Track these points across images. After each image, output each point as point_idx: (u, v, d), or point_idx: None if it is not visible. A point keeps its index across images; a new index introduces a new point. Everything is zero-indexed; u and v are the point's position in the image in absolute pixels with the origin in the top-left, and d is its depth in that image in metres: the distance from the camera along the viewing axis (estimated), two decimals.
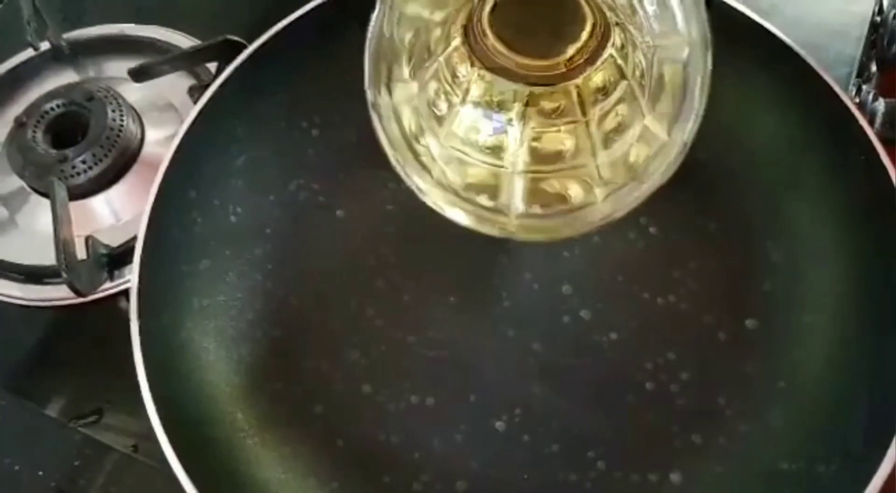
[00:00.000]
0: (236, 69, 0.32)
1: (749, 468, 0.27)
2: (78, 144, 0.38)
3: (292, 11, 0.33)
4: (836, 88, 0.28)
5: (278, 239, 0.33)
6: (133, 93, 0.40)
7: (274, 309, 0.32)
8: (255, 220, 0.33)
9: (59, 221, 0.34)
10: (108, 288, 0.35)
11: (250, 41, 0.33)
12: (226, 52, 0.36)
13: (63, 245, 0.33)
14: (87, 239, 0.35)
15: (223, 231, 0.32)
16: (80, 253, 0.34)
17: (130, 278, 0.35)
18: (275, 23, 0.33)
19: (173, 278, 0.30)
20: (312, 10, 0.32)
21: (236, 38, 0.36)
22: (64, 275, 0.32)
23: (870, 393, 0.25)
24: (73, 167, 0.37)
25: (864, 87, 0.39)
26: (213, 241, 0.31)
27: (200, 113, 0.31)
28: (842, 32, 0.37)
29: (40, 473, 0.37)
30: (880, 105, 0.37)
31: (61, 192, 0.35)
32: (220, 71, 0.35)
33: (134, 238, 0.35)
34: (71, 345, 0.38)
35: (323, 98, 0.34)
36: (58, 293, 0.36)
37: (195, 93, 0.38)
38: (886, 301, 0.27)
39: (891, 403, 0.24)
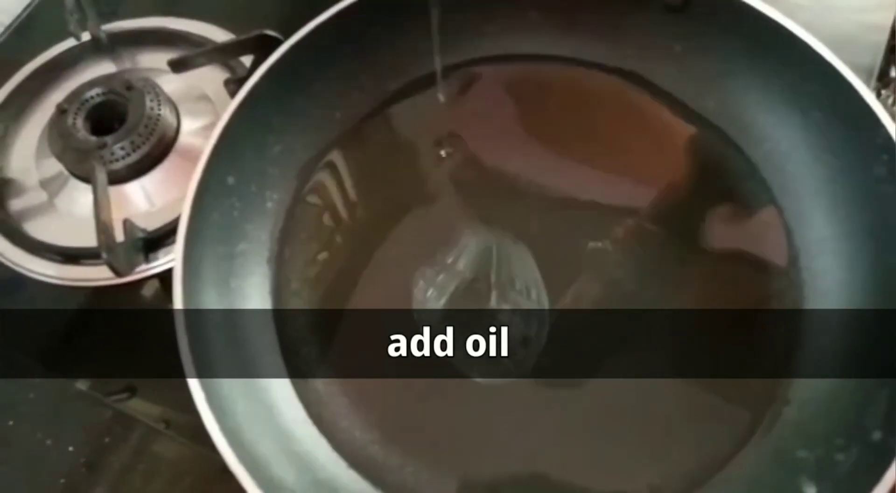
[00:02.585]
0: (275, 63, 0.33)
1: (767, 456, 0.28)
2: (116, 131, 0.39)
3: (324, 5, 0.34)
4: (860, 88, 0.29)
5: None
6: (169, 84, 0.42)
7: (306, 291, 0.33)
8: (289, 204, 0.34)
9: (99, 204, 0.35)
10: (143, 270, 0.37)
11: (284, 35, 0.34)
12: (261, 46, 0.38)
13: (103, 227, 0.34)
14: (125, 222, 0.36)
15: (259, 216, 0.33)
16: (119, 236, 0.35)
17: (164, 260, 0.36)
18: (307, 17, 0.34)
19: (212, 259, 0.31)
20: (347, 7, 0.34)
21: (272, 33, 0.37)
22: (104, 256, 0.33)
23: (889, 382, 0.26)
24: (112, 153, 0.38)
25: (882, 92, 0.39)
26: (249, 225, 0.33)
27: (240, 104, 0.32)
28: (858, 41, 0.38)
29: (70, 448, 0.39)
30: None
31: (102, 176, 0.36)
32: (256, 64, 0.36)
33: (168, 224, 0.37)
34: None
35: (353, 88, 0.35)
36: (93, 274, 0.37)
37: (231, 85, 0.39)
38: None
39: None
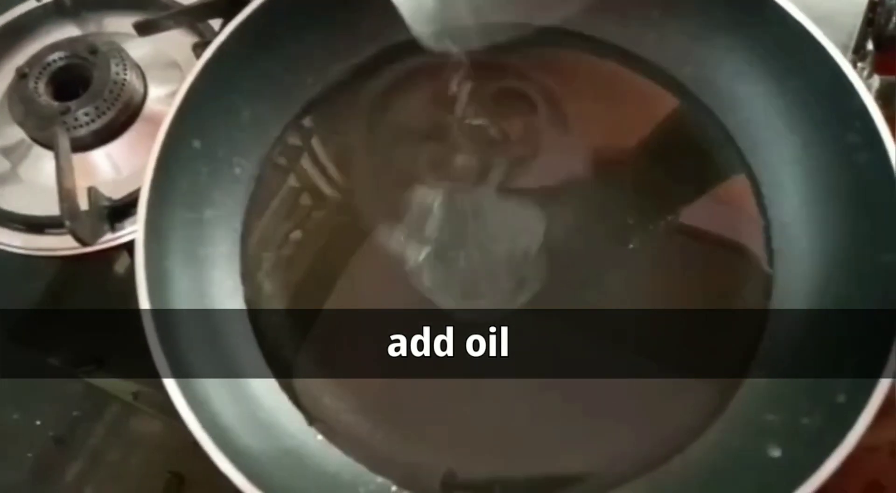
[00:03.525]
0: (242, 23, 0.32)
1: (736, 422, 0.28)
2: (80, 97, 0.38)
3: None
4: (836, 56, 0.29)
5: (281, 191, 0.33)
6: (137, 49, 0.40)
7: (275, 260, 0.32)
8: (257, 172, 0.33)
9: (62, 171, 0.34)
10: (109, 240, 0.36)
11: None
12: (230, 8, 0.36)
13: (66, 194, 0.33)
14: (90, 190, 0.35)
15: (227, 182, 0.32)
16: (83, 204, 0.34)
17: (131, 230, 0.36)
18: None
19: (177, 225, 0.30)
20: None
21: None
22: (67, 223, 0.32)
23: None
24: (76, 119, 0.37)
25: (859, 64, 0.39)
26: (216, 191, 0.32)
27: (206, 65, 0.31)
28: (836, 15, 0.38)
29: (38, 423, 0.38)
30: (875, 82, 0.38)
31: (64, 141, 0.35)
32: (224, 26, 0.35)
33: (135, 192, 0.36)
34: (71, 295, 0.38)
35: (327, 53, 0.34)
36: (59, 243, 0.36)
37: (199, 50, 0.38)
38: (870, 268, 0.28)
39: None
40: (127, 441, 0.38)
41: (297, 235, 0.33)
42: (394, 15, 0.33)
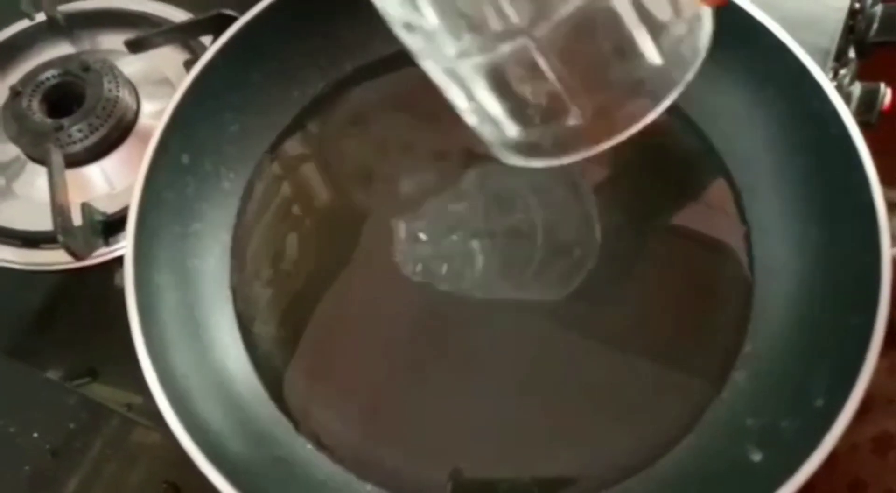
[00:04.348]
0: (230, 39, 0.33)
1: (718, 427, 0.28)
2: (74, 113, 0.38)
3: None
4: (809, 64, 0.29)
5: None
6: (129, 66, 0.41)
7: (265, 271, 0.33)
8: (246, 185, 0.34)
9: (55, 186, 0.35)
10: (104, 254, 0.36)
11: (242, 14, 0.34)
12: (220, 26, 0.37)
13: (59, 209, 0.34)
14: (83, 205, 0.36)
15: (216, 195, 0.33)
16: (76, 219, 0.35)
17: (125, 243, 0.36)
18: None
19: (166, 238, 0.31)
20: None
21: (230, 12, 0.37)
22: (60, 238, 0.33)
23: (830, 350, 0.26)
24: (69, 136, 0.38)
25: (840, 71, 0.40)
26: (205, 204, 0.32)
27: (195, 80, 0.32)
28: (817, 22, 0.38)
29: (35, 435, 0.38)
30: (856, 89, 0.38)
31: (58, 158, 0.36)
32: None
33: (127, 208, 0.37)
34: (66, 309, 0.38)
35: (312, 67, 0.35)
36: (54, 258, 0.37)
37: (191, 67, 0.38)
38: (848, 272, 0.28)
39: (850, 359, 0.25)
40: (124, 453, 0.38)
41: (287, 245, 0.34)
42: (377, 28, 0.34)
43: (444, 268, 0.31)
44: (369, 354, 0.31)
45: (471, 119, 0.25)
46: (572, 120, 0.23)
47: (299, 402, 0.31)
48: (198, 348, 0.30)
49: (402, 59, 0.33)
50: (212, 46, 0.33)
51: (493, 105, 0.23)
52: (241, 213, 0.34)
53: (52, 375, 0.38)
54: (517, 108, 0.23)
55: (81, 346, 0.38)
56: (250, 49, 0.33)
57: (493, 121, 0.24)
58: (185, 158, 0.32)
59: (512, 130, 0.24)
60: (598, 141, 0.23)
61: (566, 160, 0.24)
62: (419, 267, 0.31)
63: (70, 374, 0.38)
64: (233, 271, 0.33)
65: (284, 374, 0.31)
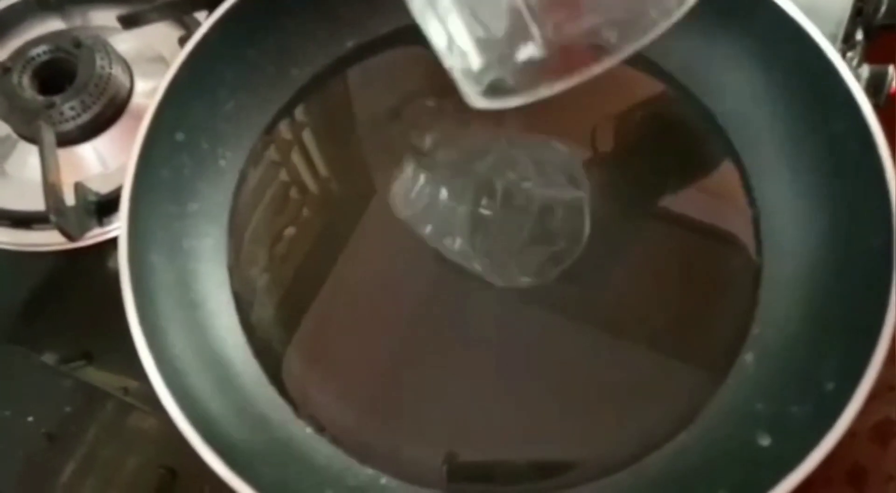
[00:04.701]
0: (225, 13, 0.32)
1: (725, 411, 0.28)
2: (65, 91, 0.37)
3: None
4: (823, 44, 0.29)
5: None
6: (122, 43, 0.40)
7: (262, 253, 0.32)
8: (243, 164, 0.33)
9: (47, 165, 0.34)
10: (97, 235, 0.36)
11: None
12: (215, 1, 0.36)
13: (51, 189, 0.33)
14: (76, 185, 0.35)
15: (212, 175, 0.32)
16: (69, 199, 0.34)
17: (119, 223, 0.35)
18: None
19: (161, 218, 0.30)
20: None
21: None
22: (53, 218, 0.32)
23: (840, 334, 0.26)
24: (61, 113, 0.37)
25: (848, 53, 0.39)
26: (201, 183, 0.32)
27: (189, 56, 0.31)
28: (824, 6, 0.37)
29: (30, 419, 0.38)
30: (864, 71, 0.37)
31: (49, 136, 0.35)
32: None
33: (120, 187, 0.36)
34: (61, 291, 0.38)
35: (310, 44, 0.34)
36: (47, 239, 0.36)
37: (185, 42, 0.37)
38: (858, 255, 0.27)
39: (861, 342, 0.24)
40: (120, 437, 0.37)
41: (285, 226, 0.33)
42: (374, 5, 0.33)
43: (429, 228, 0.31)
44: (368, 336, 0.31)
45: (446, 59, 0.25)
46: (535, 50, 0.22)
47: (298, 385, 0.30)
48: (194, 331, 0.29)
49: (401, 36, 0.33)
50: (206, 21, 0.32)
51: (462, 34, 0.23)
52: (237, 193, 0.33)
53: (48, 358, 0.38)
54: (484, 36, 0.23)
55: (76, 329, 0.38)
56: (245, 25, 0.32)
57: (462, 53, 0.24)
58: (180, 136, 0.31)
59: (476, 60, 0.23)
60: (559, 76, 0.23)
61: (528, 99, 0.23)
62: (409, 213, 0.31)
63: (65, 357, 0.37)
64: (230, 252, 0.32)
65: (283, 356, 0.31)
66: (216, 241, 0.32)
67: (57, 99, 0.37)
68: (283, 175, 0.34)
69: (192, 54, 0.31)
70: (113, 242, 0.36)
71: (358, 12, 0.34)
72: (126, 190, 0.28)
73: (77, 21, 0.43)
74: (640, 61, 0.34)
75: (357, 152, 0.35)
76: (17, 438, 0.38)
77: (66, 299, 0.39)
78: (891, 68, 0.37)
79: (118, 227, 0.35)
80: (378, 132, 0.35)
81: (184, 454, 0.27)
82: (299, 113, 0.35)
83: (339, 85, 0.35)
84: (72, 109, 0.37)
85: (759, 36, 0.31)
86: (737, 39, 0.32)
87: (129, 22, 0.37)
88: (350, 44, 0.35)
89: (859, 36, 0.39)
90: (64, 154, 0.36)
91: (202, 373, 0.28)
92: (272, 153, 0.34)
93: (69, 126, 0.37)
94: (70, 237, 0.33)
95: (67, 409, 0.38)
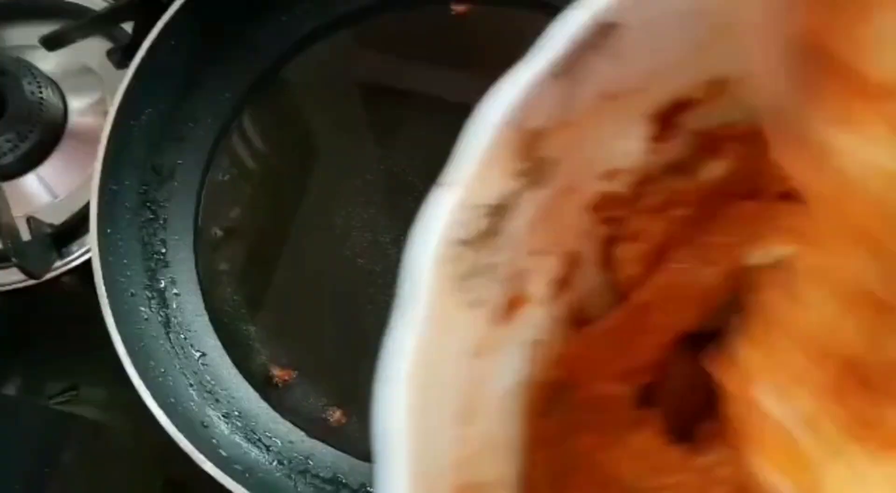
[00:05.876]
0: (165, 26, 0.31)
1: None
2: None
3: None
4: None
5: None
6: (46, 61, 0.38)
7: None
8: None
9: None
10: (58, 267, 0.35)
11: None
12: (142, 11, 0.35)
13: (7, 230, 0.32)
14: (29, 220, 0.34)
15: (169, 191, 0.32)
16: (24, 234, 0.33)
17: (78, 253, 0.35)
18: None
19: (130, 236, 0.30)
20: None
21: None
22: (14, 260, 0.32)
23: None
24: None
25: None
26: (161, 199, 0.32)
27: (131, 83, 0.30)
28: None
29: (20, 452, 0.38)
30: None
31: None
32: (138, 30, 0.34)
33: (76, 214, 0.35)
34: (26, 326, 0.37)
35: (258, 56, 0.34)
36: (7, 278, 0.35)
37: (115, 55, 0.36)
38: None
39: None
40: (99, 461, 0.38)
41: (245, 217, 0.34)
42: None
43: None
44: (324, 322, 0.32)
45: None
46: None
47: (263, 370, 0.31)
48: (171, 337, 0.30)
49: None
50: (145, 39, 0.31)
51: None
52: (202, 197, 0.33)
53: (17, 392, 0.37)
54: None
55: (51, 361, 0.38)
56: (191, 35, 0.32)
57: None
58: (139, 155, 0.31)
59: None
60: None
61: None
62: None
63: (47, 390, 0.37)
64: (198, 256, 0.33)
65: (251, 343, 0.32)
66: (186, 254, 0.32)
67: None
68: (245, 163, 0.34)
69: (134, 78, 0.30)
70: (73, 271, 0.35)
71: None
72: (93, 219, 0.28)
73: None
74: None
75: (302, 139, 0.35)
76: (11, 470, 0.38)
77: (32, 333, 0.38)
78: None
79: (77, 255, 0.35)
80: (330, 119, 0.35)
81: (178, 464, 0.28)
82: (251, 113, 0.35)
83: (284, 84, 0.35)
84: (8, 141, 0.36)
85: None
86: None
87: (53, 44, 0.36)
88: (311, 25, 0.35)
89: None
90: (8, 188, 0.35)
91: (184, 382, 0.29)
92: (234, 145, 0.35)
93: (8, 159, 0.36)
94: (34, 276, 0.33)
95: (48, 438, 0.38)
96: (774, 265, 0.15)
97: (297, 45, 0.35)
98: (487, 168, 0.13)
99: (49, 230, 0.35)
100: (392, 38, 0.36)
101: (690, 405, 0.17)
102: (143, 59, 0.31)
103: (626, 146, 0.17)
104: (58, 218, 0.35)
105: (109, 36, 0.39)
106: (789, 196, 0.15)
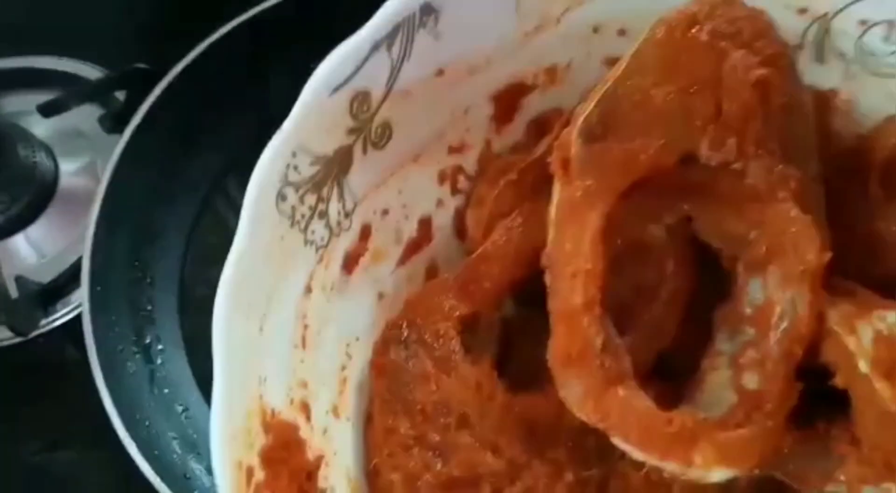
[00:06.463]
0: (160, 95, 0.33)
1: None
2: None
3: (196, 37, 0.34)
4: None
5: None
6: (40, 126, 0.40)
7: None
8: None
9: None
10: (45, 325, 0.36)
11: (156, 66, 0.34)
12: (134, 81, 0.37)
13: None
14: (17, 279, 0.35)
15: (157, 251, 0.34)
16: (13, 293, 0.34)
17: (64, 311, 0.35)
18: (176, 49, 0.34)
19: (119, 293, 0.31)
20: (230, 33, 0.34)
21: (144, 66, 0.37)
22: (2, 318, 0.32)
23: None
24: None
25: None
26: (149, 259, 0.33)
27: (125, 148, 0.32)
28: None
29: None
30: None
31: None
32: (130, 98, 0.36)
33: (63, 273, 0.36)
34: (6, 382, 0.37)
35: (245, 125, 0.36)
36: None
37: (106, 122, 0.38)
38: None
39: None
40: None
41: None
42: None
43: None
44: None
45: None
46: None
47: None
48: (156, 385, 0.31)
49: None
50: (138, 109, 0.33)
51: None
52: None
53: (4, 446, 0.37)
54: None
55: (34, 415, 0.38)
56: (181, 105, 0.34)
57: None
58: (131, 214, 0.33)
59: None
60: None
61: None
62: None
63: (24, 445, 0.37)
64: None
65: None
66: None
67: None
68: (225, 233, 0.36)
69: (127, 147, 0.32)
70: (60, 328, 0.36)
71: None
72: (85, 281, 0.30)
73: None
74: None
75: None
76: None
77: (12, 388, 0.38)
78: None
79: (63, 313, 0.36)
80: None
81: None
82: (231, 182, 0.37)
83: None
84: (1, 203, 0.37)
85: None
86: None
87: (49, 111, 0.37)
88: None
89: None
90: None
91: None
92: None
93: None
94: (22, 333, 0.33)
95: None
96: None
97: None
98: (317, 120, 0.16)
99: (37, 289, 0.36)
100: None
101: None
102: (138, 126, 0.33)
103: (470, 122, 0.20)
104: (45, 277, 0.36)
105: (101, 102, 0.41)
106: None
